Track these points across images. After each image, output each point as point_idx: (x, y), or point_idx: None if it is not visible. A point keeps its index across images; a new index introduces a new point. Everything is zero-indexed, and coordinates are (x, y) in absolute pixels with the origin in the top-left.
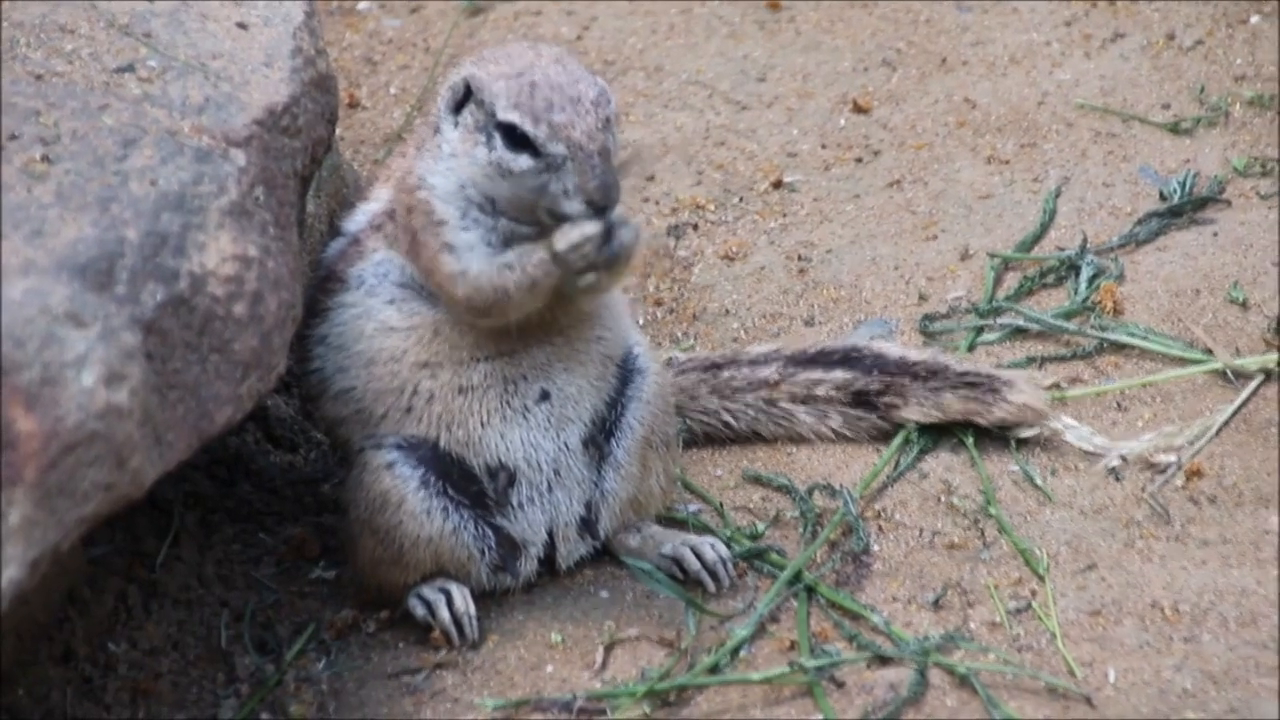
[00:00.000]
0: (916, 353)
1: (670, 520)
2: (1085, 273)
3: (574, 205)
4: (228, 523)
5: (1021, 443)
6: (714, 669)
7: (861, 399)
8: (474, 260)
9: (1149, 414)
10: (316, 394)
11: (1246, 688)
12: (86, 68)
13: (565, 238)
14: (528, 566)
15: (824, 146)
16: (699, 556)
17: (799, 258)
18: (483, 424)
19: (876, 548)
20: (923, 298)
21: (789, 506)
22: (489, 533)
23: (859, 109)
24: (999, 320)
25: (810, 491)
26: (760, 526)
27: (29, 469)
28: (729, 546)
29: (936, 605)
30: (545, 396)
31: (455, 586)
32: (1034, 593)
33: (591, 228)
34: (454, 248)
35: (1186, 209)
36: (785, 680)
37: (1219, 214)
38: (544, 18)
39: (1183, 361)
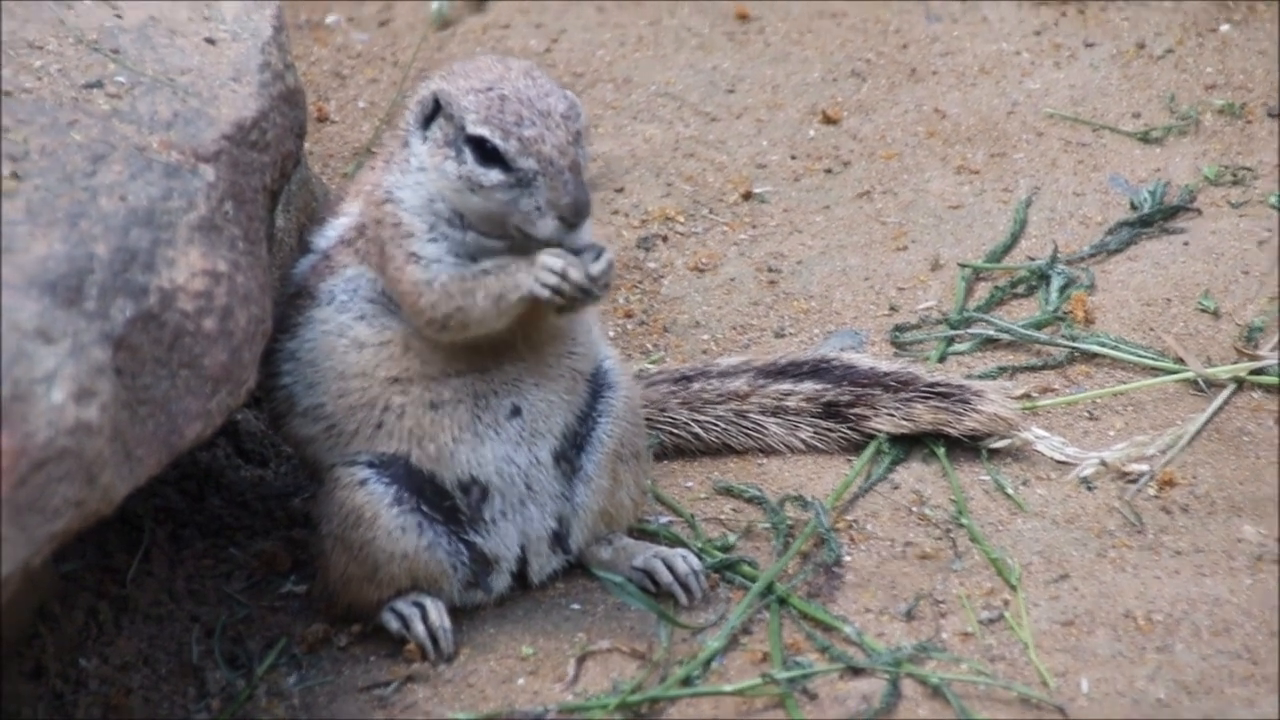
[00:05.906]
0: (887, 364)
1: (642, 532)
2: (1056, 282)
3: (546, 223)
4: (198, 538)
5: (993, 453)
6: (686, 681)
7: (832, 410)
8: (442, 270)
9: (1121, 423)
10: (284, 410)
11: (1220, 697)
12: (55, 84)
13: (546, 270)
14: (500, 582)
15: (793, 157)
16: (671, 568)
17: (769, 269)
18: (454, 439)
19: (848, 559)
20: (893, 308)
21: (760, 518)
22: (462, 548)
23: (828, 120)
24: (970, 330)
25: (782, 503)
26: (732, 538)
27: None
28: (700, 558)
29: (909, 616)
30: (516, 411)
31: (429, 600)
32: (1006, 603)
33: (575, 273)
34: (421, 258)
35: (1157, 218)
36: (758, 692)
37: (1190, 223)
38: (512, 31)
39: (1154, 371)
